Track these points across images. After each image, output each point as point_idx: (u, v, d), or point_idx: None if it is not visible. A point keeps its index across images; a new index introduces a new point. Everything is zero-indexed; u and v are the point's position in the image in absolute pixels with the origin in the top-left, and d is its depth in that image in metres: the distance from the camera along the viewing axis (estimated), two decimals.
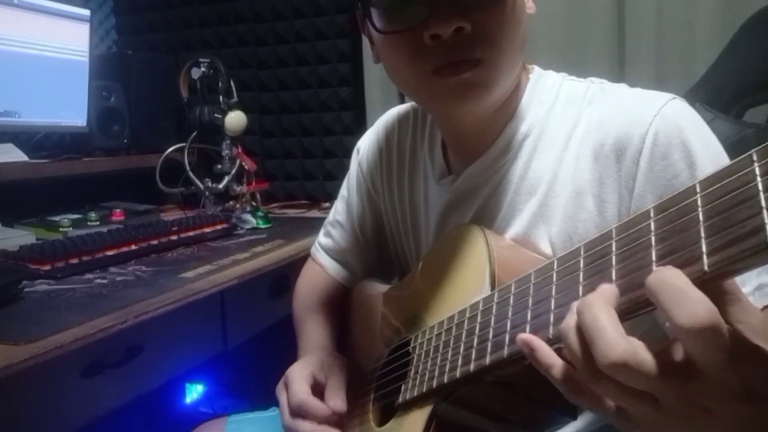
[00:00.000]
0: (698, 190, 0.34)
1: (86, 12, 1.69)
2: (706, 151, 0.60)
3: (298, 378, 0.74)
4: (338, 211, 1.00)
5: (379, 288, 0.89)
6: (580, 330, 0.38)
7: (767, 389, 0.35)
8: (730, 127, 0.99)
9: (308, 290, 1.00)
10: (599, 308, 0.37)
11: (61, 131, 1.79)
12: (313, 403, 0.71)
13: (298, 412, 0.71)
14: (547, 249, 0.67)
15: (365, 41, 1.88)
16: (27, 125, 1.60)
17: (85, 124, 1.71)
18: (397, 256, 0.94)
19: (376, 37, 0.68)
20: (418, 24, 0.61)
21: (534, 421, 0.60)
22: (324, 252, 1.01)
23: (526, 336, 0.43)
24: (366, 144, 0.94)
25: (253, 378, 1.78)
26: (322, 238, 1.03)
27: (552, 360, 0.42)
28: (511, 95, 0.70)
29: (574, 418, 0.57)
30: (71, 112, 1.68)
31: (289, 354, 0.92)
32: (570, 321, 0.39)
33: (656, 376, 0.35)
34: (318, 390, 0.74)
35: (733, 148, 0.62)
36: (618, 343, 0.35)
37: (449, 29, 0.60)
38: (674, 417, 0.37)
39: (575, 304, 0.39)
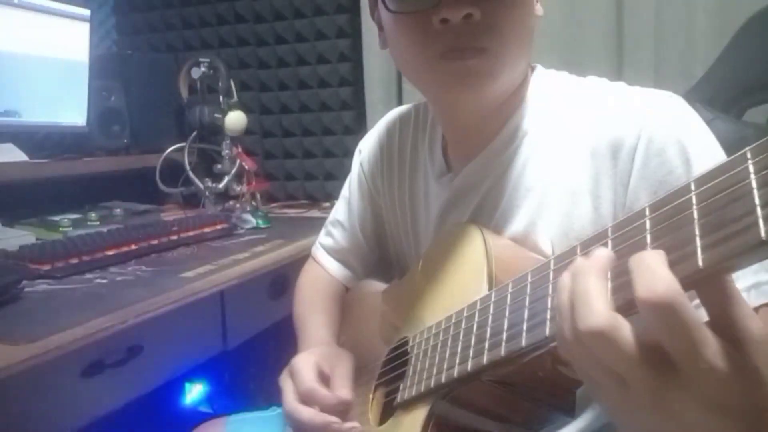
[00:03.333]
0: (693, 187, 0.34)
1: (86, 12, 1.69)
2: (702, 148, 0.60)
3: (305, 366, 0.74)
4: (339, 211, 1.00)
5: (378, 287, 0.89)
6: (571, 294, 0.38)
7: (745, 407, 0.34)
8: (730, 127, 0.99)
9: (309, 289, 1.00)
10: (592, 275, 0.37)
11: (61, 131, 1.79)
12: (321, 392, 0.71)
13: (305, 400, 0.72)
14: (545, 246, 0.67)
15: (365, 41, 1.91)
16: (27, 125, 1.60)
17: (85, 124, 1.71)
18: (397, 257, 0.94)
19: (386, 18, 0.69)
20: (429, 7, 0.62)
21: (532, 419, 0.60)
22: (325, 252, 1.01)
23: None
24: (368, 144, 0.95)
25: (253, 378, 1.79)
26: (323, 237, 1.03)
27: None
28: (514, 92, 0.71)
29: (573, 416, 0.57)
30: (71, 112, 1.68)
31: (289, 354, 0.92)
32: (566, 279, 0.39)
33: (631, 358, 0.34)
34: (322, 380, 0.74)
35: (733, 148, 0.62)
36: (600, 312, 0.35)
37: (459, 14, 0.60)
38: (638, 406, 0.36)
39: (573, 266, 0.39)
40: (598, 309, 0.35)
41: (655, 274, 0.32)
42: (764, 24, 1.09)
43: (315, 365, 0.75)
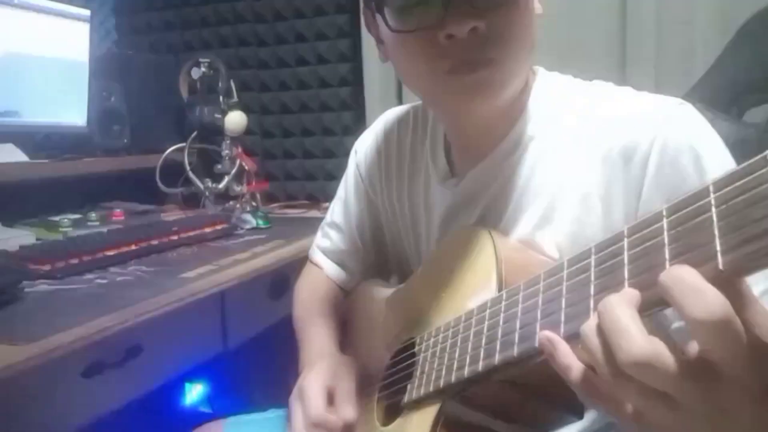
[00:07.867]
0: (711, 190, 0.34)
1: (86, 12, 1.69)
2: (714, 155, 0.60)
3: (314, 391, 0.74)
4: (335, 212, 1.00)
5: (382, 289, 0.89)
6: (602, 331, 0.37)
7: None
8: (730, 127, 0.99)
9: (308, 293, 0.99)
10: (622, 309, 0.37)
11: (61, 131, 1.78)
12: (330, 420, 0.71)
13: (315, 427, 0.72)
14: (552, 251, 0.67)
15: (365, 41, 1.90)
16: (27, 125, 1.60)
17: (85, 124, 1.71)
18: (396, 257, 0.94)
19: (387, 36, 0.68)
20: (434, 24, 0.61)
21: (541, 420, 0.59)
22: (322, 254, 1.01)
23: (549, 333, 0.43)
24: (364, 145, 0.94)
25: (253, 379, 1.78)
26: (319, 240, 1.02)
27: (570, 360, 0.42)
28: (518, 96, 0.70)
29: (581, 417, 0.57)
30: (71, 112, 1.68)
31: (289, 355, 0.91)
32: (591, 322, 0.39)
33: (679, 377, 0.35)
34: (330, 399, 0.74)
35: (733, 148, 0.63)
36: (642, 342, 0.35)
37: (465, 29, 0.60)
38: (694, 419, 0.36)
39: (600, 304, 0.39)
40: (640, 339, 0.35)
41: (705, 294, 0.32)
42: (764, 24, 1.10)
43: (323, 388, 0.75)
